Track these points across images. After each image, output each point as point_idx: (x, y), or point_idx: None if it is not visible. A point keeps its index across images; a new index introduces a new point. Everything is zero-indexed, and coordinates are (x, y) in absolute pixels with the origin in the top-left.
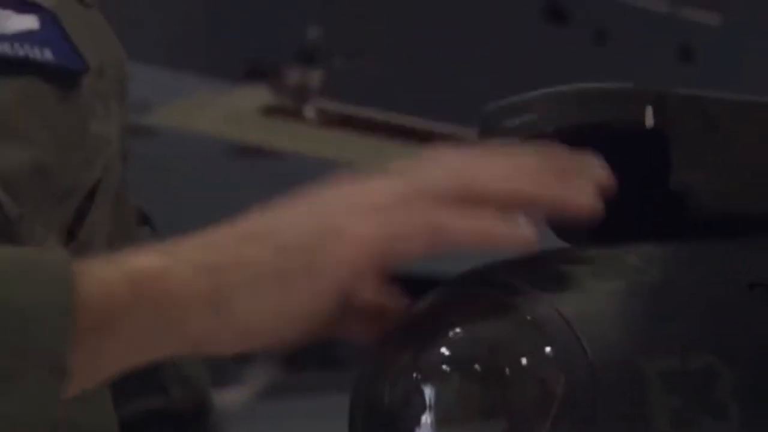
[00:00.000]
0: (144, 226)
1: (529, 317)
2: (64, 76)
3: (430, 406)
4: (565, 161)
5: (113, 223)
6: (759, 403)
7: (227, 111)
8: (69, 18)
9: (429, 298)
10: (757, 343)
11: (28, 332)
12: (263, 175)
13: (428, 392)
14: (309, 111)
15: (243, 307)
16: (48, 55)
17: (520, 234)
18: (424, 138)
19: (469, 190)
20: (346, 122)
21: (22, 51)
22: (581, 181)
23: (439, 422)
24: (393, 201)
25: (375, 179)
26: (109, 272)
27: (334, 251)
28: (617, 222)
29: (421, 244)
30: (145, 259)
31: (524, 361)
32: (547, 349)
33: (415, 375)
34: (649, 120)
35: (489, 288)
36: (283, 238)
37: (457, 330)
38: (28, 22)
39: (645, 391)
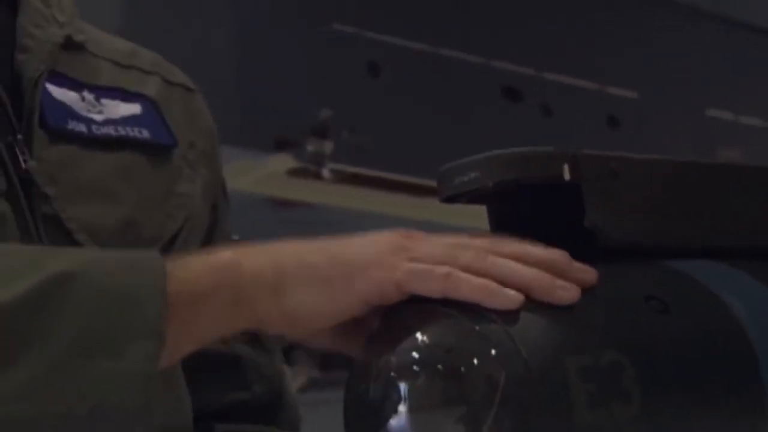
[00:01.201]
0: None
1: (477, 328)
2: (157, 150)
3: (404, 398)
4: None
5: None
6: (656, 390)
7: (263, 174)
8: (173, 103)
9: (401, 313)
10: (653, 344)
11: (135, 310)
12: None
13: (402, 387)
14: (325, 172)
15: (296, 298)
16: (145, 134)
17: (508, 298)
18: (412, 189)
19: (485, 270)
20: (354, 180)
21: (124, 131)
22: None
23: (412, 410)
24: (427, 254)
25: (423, 237)
26: (196, 263)
27: (371, 272)
28: None
29: (437, 288)
30: (226, 254)
31: (474, 361)
32: (492, 351)
33: (391, 374)
34: (566, 174)
35: (446, 306)
36: (338, 254)
37: (424, 338)
38: (133, 108)
39: (567, 381)
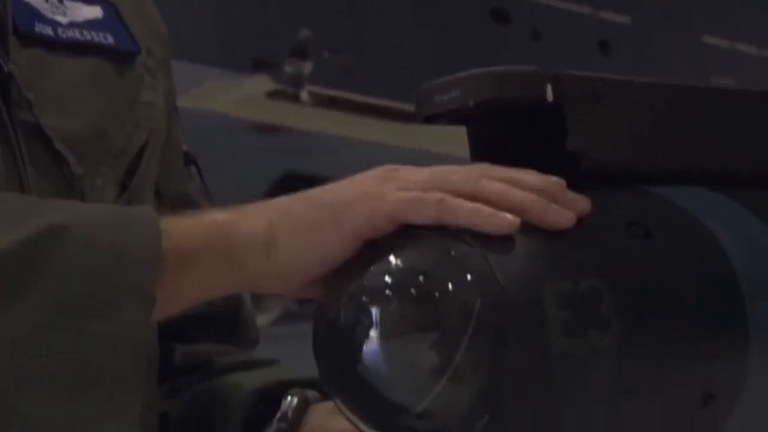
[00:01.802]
0: (190, 166)
1: (453, 252)
2: (122, 57)
3: (376, 324)
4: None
5: (161, 168)
6: (634, 317)
7: (241, 95)
8: (126, 7)
9: (375, 239)
10: (633, 271)
11: (126, 269)
12: (274, 145)
13: (374, 312)
14: (304, 95)
15: (287, 251)
16: (110, 39)
17: (505, 221)
18: (390, 113)
19: (478, 193)
20: (334, 103)
21: (89, 35)
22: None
23: (383, 336)
24: (416, 181)
25: (408, 169)
26: (188, 223)
27: (358, 206)
28: None
29: (429, 215)
30: (218, 215)
31: (449, 287)
32: (468, 277)
33: (363, 298)
34: (549, 95)
35: (423, 230)
36: (322, 198)
37: (398, 262)
38: (95, 11)
39: (544, 308)
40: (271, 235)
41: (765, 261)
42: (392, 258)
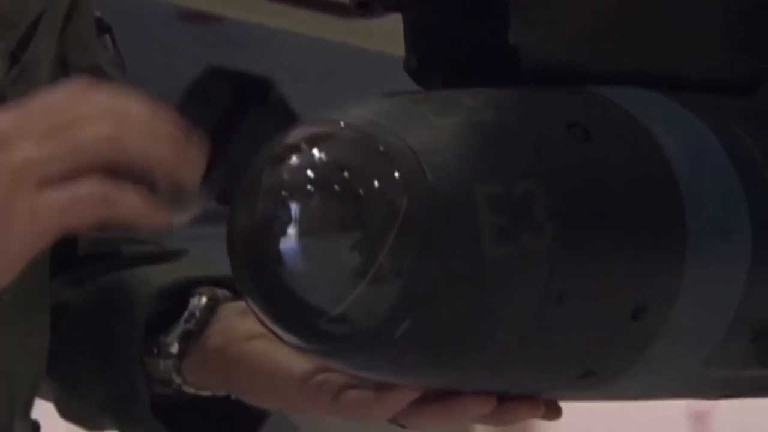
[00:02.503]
0: (104, 35)
1: (381, 147)
2: None
3: (295, 220)
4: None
5: (68, 38)
6: (568, 222)
7: None
8: None
9: (296, 130)
10: (570, 174)
11: None
12: (201, 37)
13: (294, 207)
14: None
15: None
16: None
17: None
18: (328, 6)
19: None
20: None
21: None
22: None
23: (301, 233)
24: (43, 159)
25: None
26: None
27: (10, 229)
28: (464, 71)
29: (92, 217)
30: None
31: (375, 183)
32: (395, 174)
33: (283, 193)
34: None
35: (348, 122)
36: None
37: (321, 156)
38: None
39: (474, 211)
40: None
41: (709, 168)
42: (315, 151)
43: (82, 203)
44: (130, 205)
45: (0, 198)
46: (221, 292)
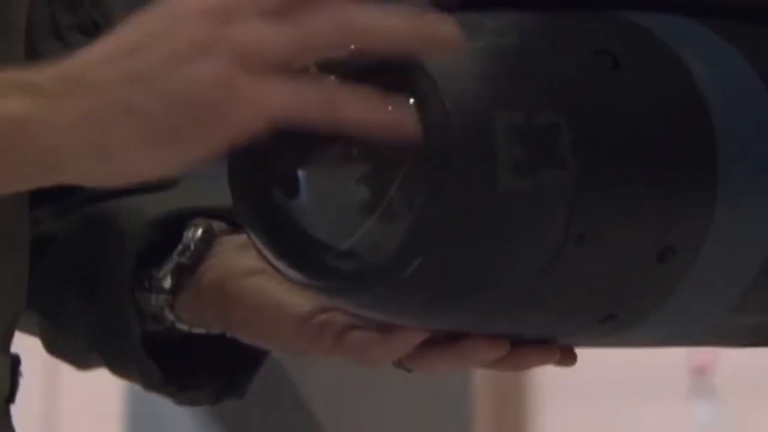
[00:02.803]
0: None
1: (394, 71)
2: None
3: (302, 148)
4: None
5: None
6: (593, 156)
7: None
8: None
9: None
10: (597, 105)
11: None
12: None
13: (301, 135)
14: None
15: (135, 160)
16: None
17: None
18: None
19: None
20: None
21: None
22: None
23: (309, 162)
24: (273, 49)
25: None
26: None
27: (227, 115)
28: None
29: (320, 119)
30: (12, 104)
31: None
32: (410, 99)
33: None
34: None
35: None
36: (169, 90)
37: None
38: None
39: (493, 141)
40: (106, 141)
41: (743, 99)
42: (325, 75)
43: (310, 101)
44: (360, 112)
45: (218, 77)
46: (218, 225)
